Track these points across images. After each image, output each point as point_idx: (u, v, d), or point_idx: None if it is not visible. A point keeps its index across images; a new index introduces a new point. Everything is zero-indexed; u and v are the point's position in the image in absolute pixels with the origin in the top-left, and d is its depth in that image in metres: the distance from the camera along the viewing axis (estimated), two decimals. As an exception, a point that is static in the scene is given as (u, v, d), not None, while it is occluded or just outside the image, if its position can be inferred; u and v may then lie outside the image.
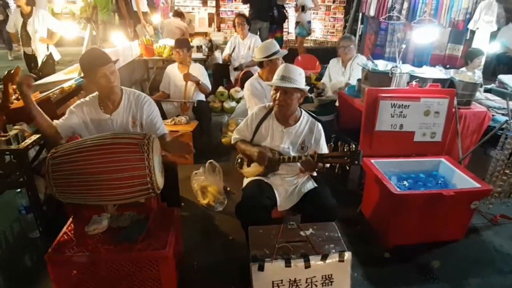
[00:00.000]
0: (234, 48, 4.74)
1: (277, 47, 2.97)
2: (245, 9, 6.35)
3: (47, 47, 4.27)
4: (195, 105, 3.57)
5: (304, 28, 6.40)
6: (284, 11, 6.47)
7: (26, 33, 4.11)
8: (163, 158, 1.95)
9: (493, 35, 5.31)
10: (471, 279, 2.11)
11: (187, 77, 3.48)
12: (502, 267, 2.22)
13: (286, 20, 6.91)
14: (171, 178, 2.16)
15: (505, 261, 2.27)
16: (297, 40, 6.77)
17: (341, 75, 3.68)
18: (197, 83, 3.55)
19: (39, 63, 4.24)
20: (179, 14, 6.02)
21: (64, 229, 1.85)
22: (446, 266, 2.20)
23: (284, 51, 3.00)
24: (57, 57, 4.40)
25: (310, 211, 1.96)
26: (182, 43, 3.61)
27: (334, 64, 3.77)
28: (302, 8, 6.37)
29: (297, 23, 6.54)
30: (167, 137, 2.10)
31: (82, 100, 2.06)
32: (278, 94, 2.02)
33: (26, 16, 4.09)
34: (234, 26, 4.76)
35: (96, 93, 2.04)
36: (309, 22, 6.53)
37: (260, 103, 2.84)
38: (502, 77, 3.93)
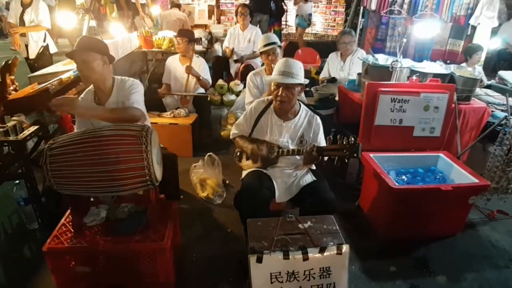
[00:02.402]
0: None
1: (276, 38, 2.98)
2: (245, 1, 6.29)
3: (44, 38, 4.23)
4: (204, 95, 3.49)
5: (304, 19, 6.35)
6: (283, 4, 6.41)
7: (23, 22, 4.08)
8: (164, 150, 1.95)
9: (494, 31, 5.28)
10: (467, 274, 2.13)
11: (189, 70, 3.45)
12: (498, 262, 2.24)
13: (285, 14, 6.86)
14: (171, 171, 2.17)
15: (501, 256, 2.28)
16: (297, 31, 6.71)
17: (340, 69, 3.66)
18: (198, 78, 3.52)
19: (30, 53, 4.21)
20: (177, 5, 5.97)
21: (62, 220, 1.85)
22: (442, 260, 2.21)
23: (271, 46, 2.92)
24: (53, 50, 4.36)
25: (309, 204, 1.96)
26: (184, 33, 3.57)
27: (333, 59, 3.75)
28: None
29: (297, 15, 6.49)
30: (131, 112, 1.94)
31: (80, 96, 2.09)
32: (280, 90, 2.01)
33: (25, 6, 4.06)
34: (236, 15, 4.72)
35: (91, 86, 2.07)
36: (310, 14, 6.49)
37: (258, 95, 2.85)
38: (502, 73, 3.92)
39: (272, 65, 2.86)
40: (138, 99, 2.04)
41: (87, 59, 1.90)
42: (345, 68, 3.61)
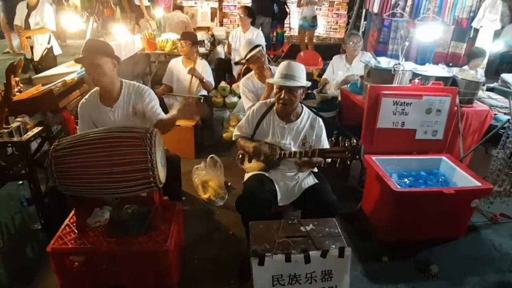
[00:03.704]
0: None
1: (256, 41, 3.01)
2: (248, 4, 6.31)
3: (48, 40, 4.23)
4: (202, 100, 3.53)
5: (307, 20, 6.30)
6: (286, 7, 6.41)
7: (28, 25, 4.10)
8: (166, 152, 1.96)
9: (497, 34, 5.28)
10: (469, 277, 2.12)
11: (192, 71, 3.46)
12: (501, 265, 2.23)
13: (288, 16, 6.85)
14: (173, 173, 2.17)
15: (504, 260, 2.28)
16: (305, 34, 6.56)
17: (346, 71, 3.68)
18: (201, 81, 3.53)
19: (35, 54, 4.22)
20: (179, 8, 6.02)
21: (66, 221, 1.86)
22: (445, 264, 2.21)
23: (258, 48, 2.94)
24: (57, 51, 4.37)
25: (311, 206, 1.96)
26: (187, 35, 3.58)
27: (338, 61, 3.77)
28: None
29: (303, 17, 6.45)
30: (167, 117, 2.13)
31: (84, 98, 2.12)
32: (282, 93, 2.01)
33: (31, 8, 4.07)
34: None
35: (96, 87, 2.10)
36: (315, 17, 6.44)
37: (255, 98, 2.87)
38: (505, 76, 3.92)
39: (264, 66, 2.91)
40: (160, 109, 2.19)
41: (100, 62, 1.92)
42: (352, 70, 3.63)
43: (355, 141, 1.85)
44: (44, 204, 2.35)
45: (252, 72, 3.03)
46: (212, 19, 7.27)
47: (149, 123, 2.05)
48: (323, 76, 3.94)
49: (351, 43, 3.58)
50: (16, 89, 2.48)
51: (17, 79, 2.49)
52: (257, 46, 2.92)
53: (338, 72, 3.70)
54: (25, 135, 2.21)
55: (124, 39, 4.34)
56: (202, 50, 4.84)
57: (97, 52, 1.92)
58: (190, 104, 1.98)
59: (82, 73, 2.90)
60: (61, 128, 2.64)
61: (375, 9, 5.76)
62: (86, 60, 1.94)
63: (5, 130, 2.18)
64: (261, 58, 2.91)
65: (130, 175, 1.57)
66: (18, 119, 2.32)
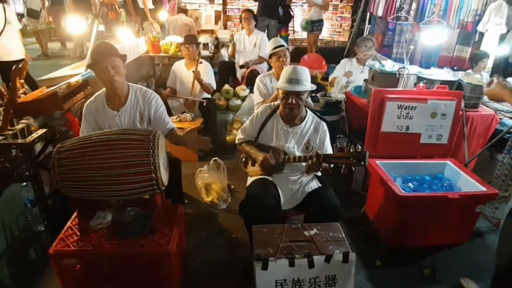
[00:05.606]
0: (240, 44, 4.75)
1: (284, 43, 3.07)
2: (253, 7, 6.32)
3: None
4: (207, 102, 3.57)
5: (306, 23, 6.31)
6: (290, 10, 6.42)
7: None
8: (168, 154, 1.96)
9: (502, 38, 5.25)
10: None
11: (196, 74, 3.48)
12: (507, 271, 2.20)
13: (292, 20, 6.86)
14: (174, 175, 2.17)
15: (509, 266, 2.25)
16: (311, 38, 6.61)
17: (361, 72, 3.72)
18: (200, 83, 3.55)
19: None
20: (183, 11, 6.04)
21: (69, 223, 1.87)
22: (449, 270, 2.18)
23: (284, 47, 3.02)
24: (20, 56, 4.02)
25: (314, 211, 1.95)
26: (191, 39, 3.66)
27: (349, 64, 3.80)
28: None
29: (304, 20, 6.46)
30: (175, 132, 2.15)
31: (89, 101, 2.10)
32: (289, 98, 2.01)
33: None
34: (241, 21, 4.77)
35: (102, 90, 2.09)
36: (321, 20, 6.43)
37: (268, 95, 2.87)
38: (511, 80, 3.88)
39: (284, 66, 2.92)
40: (167, 115, 2.21)
41: (118, 64, 1.93)
42: (365, 70, 3.65)
43: (360, 147, 1.84)
44: (47, 206, 2.36)
45: (271, 71, 3.06)
46: (216, 22, 7.30)
47: (156, 129, 2.04)
48: (333, 75, 3.92)
49: (364, 47, 3.64)
50: (21, 91, 2.50)
51: (22, 81, 2.50)
52: (281, 45, 2.98)
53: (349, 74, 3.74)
54: (29, 137, 2.22)
55: (129, 42, 4.36)
56: (206, 53, 4.85)
57: (112, 54, 1.93)
58: (198, 139, 2.14)
59: (86, 75, 2.92)
60: (66, 130, 2.65)
61: (380, 13, 5.76)
62: (101, 64, 1.90)
63: (10, 132, 2.19)
64: (284, 57, 2.94)
65: (132, 177, 1.57)
66: (22, 121, 2.33)
